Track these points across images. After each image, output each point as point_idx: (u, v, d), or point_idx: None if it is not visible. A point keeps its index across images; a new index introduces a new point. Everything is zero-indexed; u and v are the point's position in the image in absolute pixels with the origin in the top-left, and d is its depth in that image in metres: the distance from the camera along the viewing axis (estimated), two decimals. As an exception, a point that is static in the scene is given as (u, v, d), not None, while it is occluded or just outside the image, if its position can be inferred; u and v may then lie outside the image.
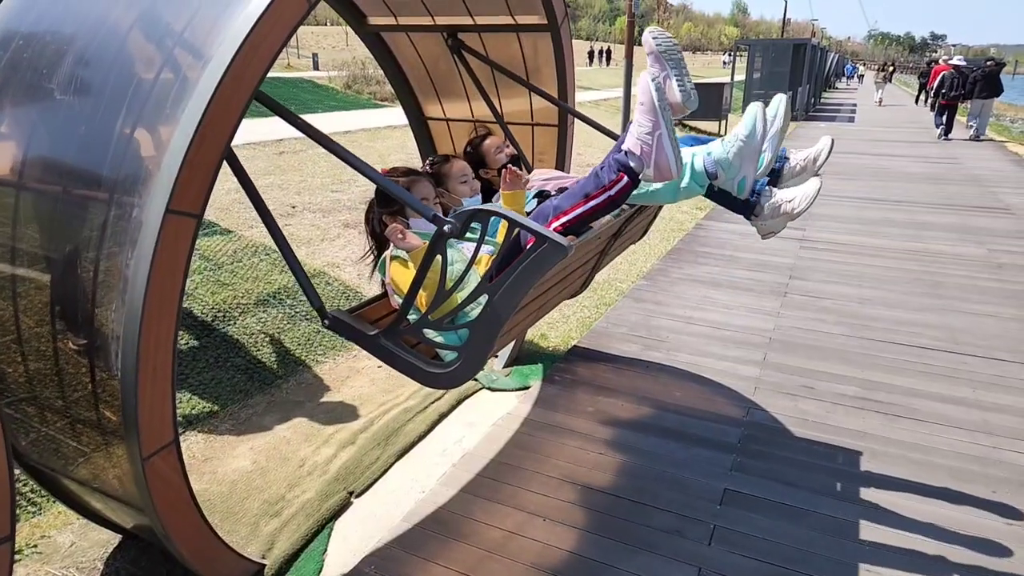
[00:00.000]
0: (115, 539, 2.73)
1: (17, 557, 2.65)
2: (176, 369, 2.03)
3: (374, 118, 11.93)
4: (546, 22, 3.24)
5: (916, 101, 28.27)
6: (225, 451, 3.39)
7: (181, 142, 1.78)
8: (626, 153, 1.97)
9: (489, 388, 3.87)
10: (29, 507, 2.94)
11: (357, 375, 4.05)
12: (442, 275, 2.01)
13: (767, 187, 2.56)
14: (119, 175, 1.89)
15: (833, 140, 2.63)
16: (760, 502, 2.90)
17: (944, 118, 16.07)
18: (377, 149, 8.97)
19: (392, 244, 2.25)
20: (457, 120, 3.85)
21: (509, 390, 3.84)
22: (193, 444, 3.43)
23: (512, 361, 4.11)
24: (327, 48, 33.62)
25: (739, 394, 3.82)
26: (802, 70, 21.16)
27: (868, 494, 2.95)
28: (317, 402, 3.77)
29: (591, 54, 51.94)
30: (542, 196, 2.70)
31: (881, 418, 3.56)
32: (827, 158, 2.61)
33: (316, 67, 23.75)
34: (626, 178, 1.97)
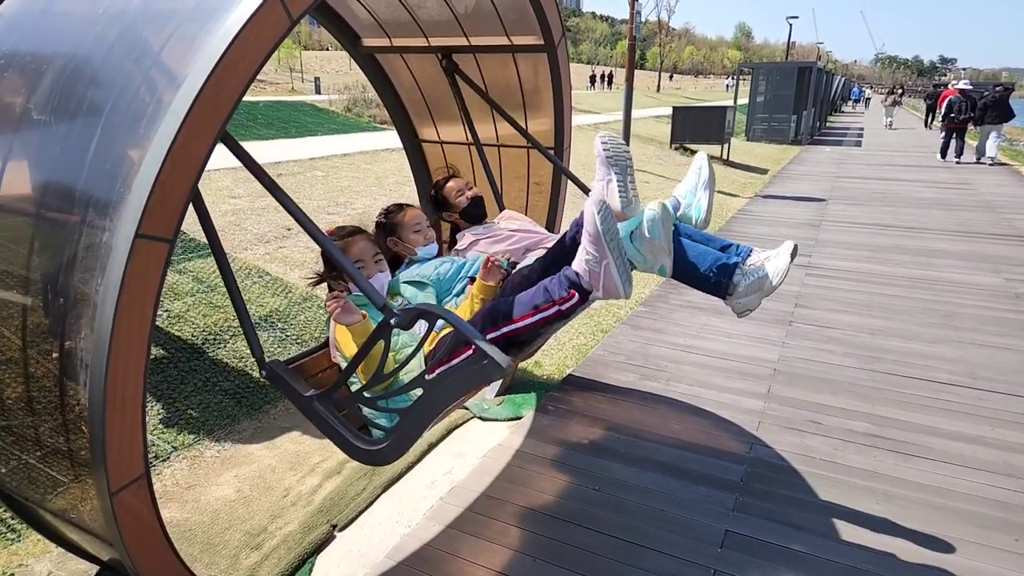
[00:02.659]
0: (93, 569, 2.62)
1: (-10, 588, 2.56)
2: (146, 401, 1.93)
3: (373, 141, 11.93)
4: (542, 43, 3.19)
5: (926, 125, 28.24)
6: (209, 478, 3.28)
7: (153, 164, 1.69)
8: (576, 274, 1.98)
9: (480, 417, 3.75)
10: (9, 534, 2.85)
11: (348, 401, 3.94)
12: (382, 359, 2.02)
13: (740, 265, 2.57)
14: (91, 197, 1.82)
15: (797, 246, 2.61)
16: (764, 546, 2.76)
17: (951, 142, 16.04)
18: (375, 172, 8.94)
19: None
20: (452, 143, 3.78)
21: (501, 420, 3.72)
22: (178, 471, 3.33)
23: (504, 389, 4.00)
24: (330, 72, 33.98)
25: (742, 428, 3.68)
26: (807, 94, 21.18)
27: (880, 540, 2.80)
28: (305, 428, 3.66)
29: (593, 78, 52.31)
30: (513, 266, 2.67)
31: (894, 457, 3.41)
32: (792, 255, 2.58)
33: (318, 91, 24.01)
34: (577, 296, 1.99)
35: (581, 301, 2.03)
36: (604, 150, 2.18)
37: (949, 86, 22.10)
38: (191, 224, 5.75)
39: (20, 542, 2.78)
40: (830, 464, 3.35)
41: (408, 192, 4.37)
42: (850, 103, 53.23)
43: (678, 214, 2.69)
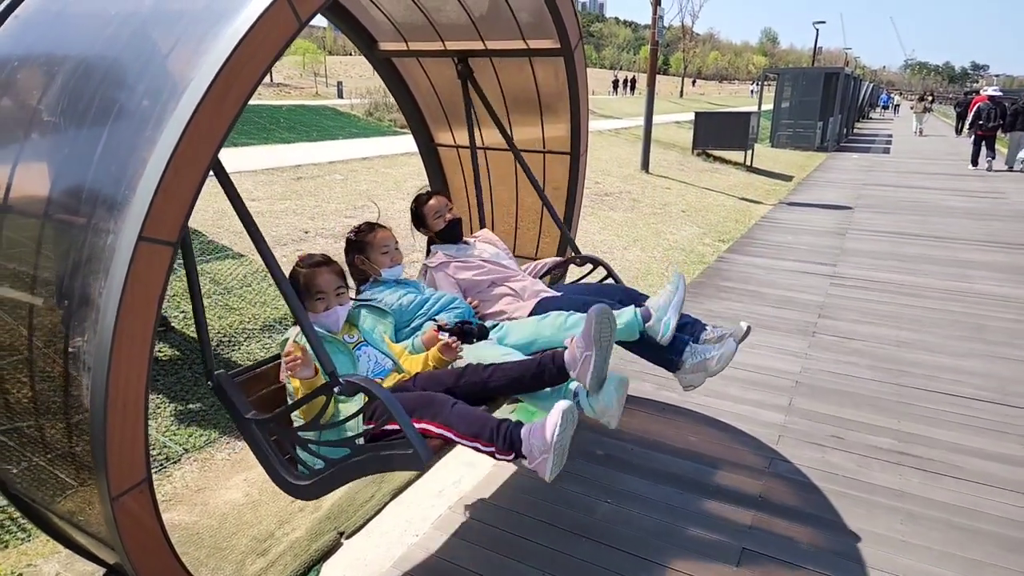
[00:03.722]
0: (100, 571, 2.61)
1: (-1, 587, 2.57)
2: (148, 405, 1.91)
3: (393, 145, 11.98)
4: (559, 46, 3.14)
5: (957, 132, 27.71)
6: (219, 481, 3.27)
7: (157, 166, 1.67)
8: (522, 444, 2.07)
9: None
10: (19, 533, 2.86)
11: (360, 406, 3.92)
12: (321, 411, 2.13)
13: (690, 344, 2.84)
14: (97, 199, 1.80)
15: (750, 327, 2.88)
16: (782, 565, 2.66)
17: (982, 150, 15.69)
18: (394, 176, 8.97)
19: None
20: (467, 147, 3.74)
21: (516, 429, 3.66)
22: (188, 473, 3.32)
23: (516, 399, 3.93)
24: (354, 77, 34.32)
25: (761, 442, 3.58)
26: (834, 99, 20.88)
27: (903, 562, 2.69)
28: (316, 434, 3.63)
29: (615, 83, 52.18)
30: (464, 324, 2.73)
31: (920, 475, 3.29)
32: (743, 337, 2.85)
33: (340, 95, 24.25)
34: (511, 456, 2.09)
35: (512, 460, 2.14)
36: (596, 325, 2.21)
37: (980, 92, 21.64)
38: (209, 226, 5.79)
39: (30, 542, 2.78)
40: (852, 481, 3.24)
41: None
42: (878, 109, 52.42)
43: (647, 325, 2.81)
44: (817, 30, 37.93)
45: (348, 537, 2.91)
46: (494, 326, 2.87)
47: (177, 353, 4.03)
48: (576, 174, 3.66)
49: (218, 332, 4.25)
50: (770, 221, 9.80)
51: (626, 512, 2.99)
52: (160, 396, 3.70)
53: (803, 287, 6.32)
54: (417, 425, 2.12)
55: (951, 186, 13.28)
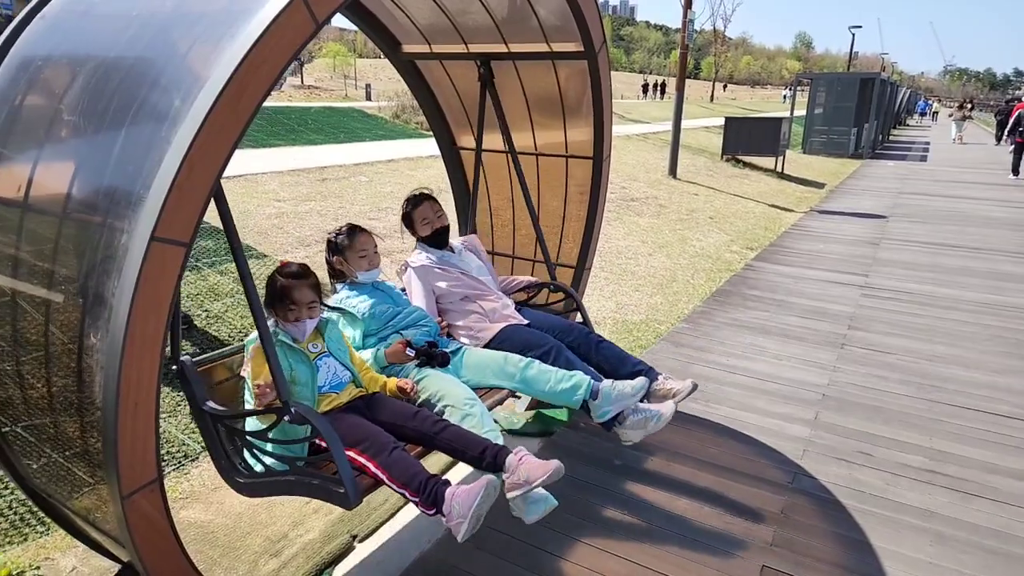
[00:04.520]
0: (115, 567, 2.63)
1: (19, 578, 2.60)
2: (160, 405, 1.91)
3: (418, 148, 12.03)
4: (582, 49, 3.09)
5: (997, 140, 26.97)
6: (235, 482, 3.28)
7: (171, 165, 1.67)
8: (445, 501, 2.17)
9: (509, 432, 3.65)
10: (39, 526, 2.89)
11: (377, 409, 3.91)
12: (270, 426, 2.23)
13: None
14: (113, 199, 1.81)
15: (696, 384, 3.01)
16: (802, 585, 2.58)
17: (1023, 158, 15.24)
18: (418, 178, 8.99)
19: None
20: (489, 151, 3.72)
21: (530, 435, 3.62)
22: (205, 471, 3.34)
23: (536, 403, 3.89)
24: (383, 79, 34.65)
25: (785, 456, 3.48)
26: (870, 105, 20.45)
27: (929, 585, 2.59)
28: (333, 436, 3.63)
29: (645, 87, 51.83)
30: (431, 346, 2.82)
31: (951, 495, 3.16)
32: (686, 396, 2.98)
33: (369, 97, 24.49)
34: (433, 511, 2.19)
35: (431, 515, 2.22)
36: (481, 500, 2.19)
37: (1022, 99, 21.03)
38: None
39: (48, 535, 2.82)
40: (880, 500, 3.13)
41: (448, 200, 4.32)
42: (915, 116, 51.27)
43: (591, 401, 2.76)
44: (853, 35, 37.30)
45: (361, 541, 2.90)
46: (456, 349, 2.96)
47: (199, 351, 4.07)
48: (599, 179, 3.61)
49: (240, 331, 4.28)
50: (800, 229, 9.61)
51: (642, 524, 2.92)
52: (181, 394, 3.73)
53: (833, 297, 6.17)
54: (358, 458, 2.26)
55: (991, 196, 12.90)
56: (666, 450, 3.51)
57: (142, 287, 1.68)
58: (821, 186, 14.40)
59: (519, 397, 3.84)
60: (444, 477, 2.26)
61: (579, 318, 3.49)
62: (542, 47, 3.27)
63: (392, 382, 2.67)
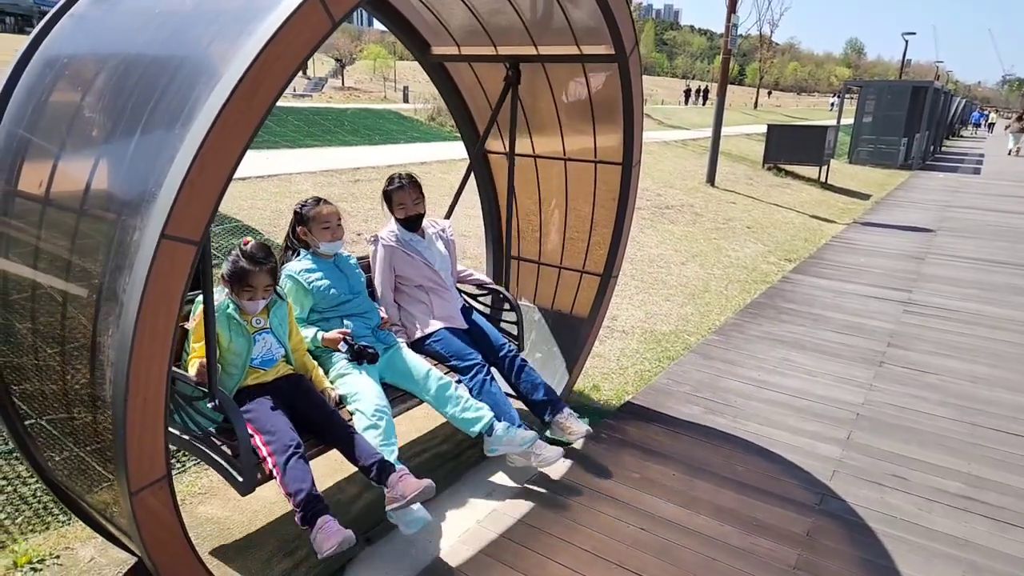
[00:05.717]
0: (131, 560, 2.66)
1: (38, 567, 2.64)
2: (169, 403, 1.91)
3: (452, 151, 12.01)
4: (613, 52, 3.03)
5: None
6: (254, 478, 3.30)
7: (183, 163, 1.67)
8: (314, 527, 2.44)
9: (530, 440, 3.59)
10: (60, 516, 2.94)
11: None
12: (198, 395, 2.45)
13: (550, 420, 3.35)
14: (128, 196, 1.83)
15: (590, 431, 3.41)
16: (824, 614, 2.47)
17: None
18: (449, 181, 8.98)
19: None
20: (518, 155, 3.67)
21: (552, 442, 3.55)
22: (225, 468, 3.36)
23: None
24: (421, 82, 34.80)
25: (813, 477, 3.35)
26: (921, 115, 19.80)
27: (962, 621, 2.45)
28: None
29: (687, 92, 51.11)
30: (364, 347, 2.96)
31: (988, 524, 3.00)
32: (575, 440, 3.39)
33: (406, 99, 24.68)
34: (304, 526, 2.45)
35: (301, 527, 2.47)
36: (338, 544, 2.44)
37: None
38: (267, 224, 5.86)
39: (69, 525, 2.86)
40: (911, 526, 2.98)
41: (476, 203, 4.30)
42: (970, 127, 49.56)
43: (488, 435, 3.10)
44: (906, 42, 36.20)
45: (374, 543, 2.88)
46: (388, 347, 3.13)
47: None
48: (628, 185, 3.53)
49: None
50: (842, 241, 9.33)
51: (660, 541, 2.84)
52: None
53: (873, 313, 5.96)
54: (261, 447, 2.45)
55: (1047, 211, 12.35)
56: (689, 465, 3.41)
57: (152, 285, 1.69)
58: (866, 197, 13.98)
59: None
60: (325, 503, 2.49)
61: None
62: (572, 49, 3.22)
63: (321, 379, 2.89)
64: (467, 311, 3.54)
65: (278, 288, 2.76)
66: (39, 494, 3.01)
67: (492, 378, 3.27)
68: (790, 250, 8.56)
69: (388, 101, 23.52)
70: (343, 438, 2.66)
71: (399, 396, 3.05)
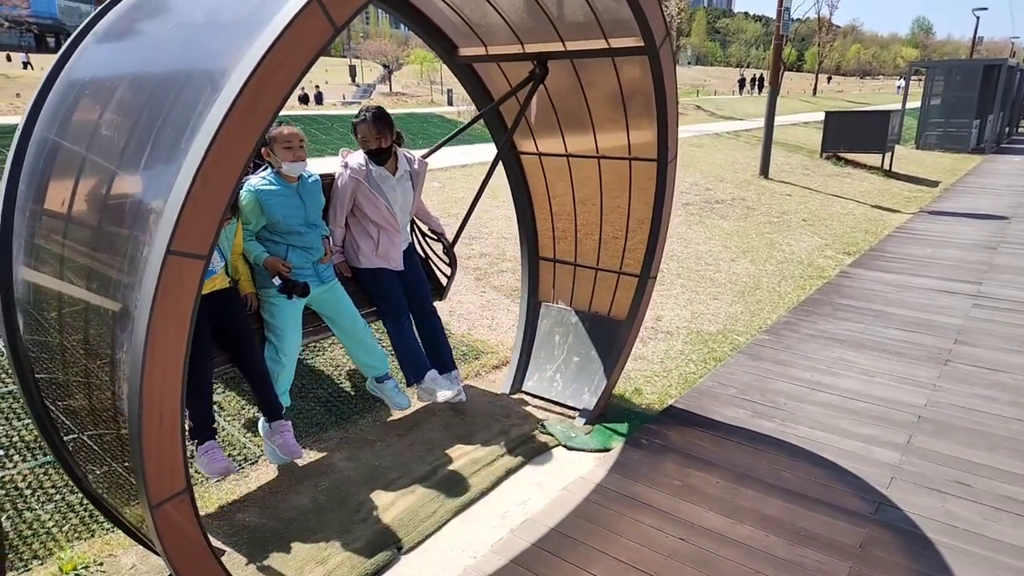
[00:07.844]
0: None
1: (83, 574, 2.71)
2: (185, 417, 1.92)
3: (493, 153, 11.96)
4: (643, 44, 2.91)
5: None
6: (290, 485, 3.32)
7: (186, 177, 1.67)
8: (201, 452, 2.89)
9: (565, 446, 3.50)
10: (105, 523, 3.01)
11: (432, 417, 3.87)
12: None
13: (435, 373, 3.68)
14: (138, 212, 1.85)
15: (461, 395, 3.74)
16: (877, 635, 2.30)
17: None
18: (491, 184, 8.92)
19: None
20: (550, 155, 3.59)
21: (587, 450, 3.46)
22: (263, 475, 3.40)
23: (596, 417, 3.72)
24: (466, 85, 34.96)
25: (868, 484, 3.15)
26: (994, 96, 18.66)
27: (1034, 647, 2.24)
28: (387, 442, 3.62)
29: (742, 82, 49.59)
30: (296, 282, 3.17)
31: (1063, 538, 2.75)
32: (446, 400, 3.68)
33: (450, 102, 24.81)
34: (193, 445, 2.88)
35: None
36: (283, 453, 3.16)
37: None
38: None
39: (113, 532, 2.93)
40: (976, 536, 2.76)
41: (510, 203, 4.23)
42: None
43: (386, 381, 3.69)
44: (978, 18, 34.09)
45: (406, 552, 2.85)
46: (324, 283, 3.34)
47: (267, 355, 4.17)
48: (664, 182, 3.40)
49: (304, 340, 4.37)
50: (907, 232, 8.85)
51: (701, 552, 2.71)
52: (244, 398, 3.84)
53: (939, 308, 5.60)
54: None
55: None
56: (732, 471, 3.26)
57: (160, 300, 1.69)
58: (934, 184, 13.25)
59: (577, 412, 3.69)
60: (210, 429, 2.88)
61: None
62: (600, 44, 3.12)
63: (247, 286, 3.17)
64: (409, 251, 3.71)
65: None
66: (85, 502, 3.10)
67: (411, 327, 3.61)
68: (849, 243, 8.17)
69: (434, 104, 23.71)
70: (253, 368, 3.04)
71: (319, 326, 3.44)
